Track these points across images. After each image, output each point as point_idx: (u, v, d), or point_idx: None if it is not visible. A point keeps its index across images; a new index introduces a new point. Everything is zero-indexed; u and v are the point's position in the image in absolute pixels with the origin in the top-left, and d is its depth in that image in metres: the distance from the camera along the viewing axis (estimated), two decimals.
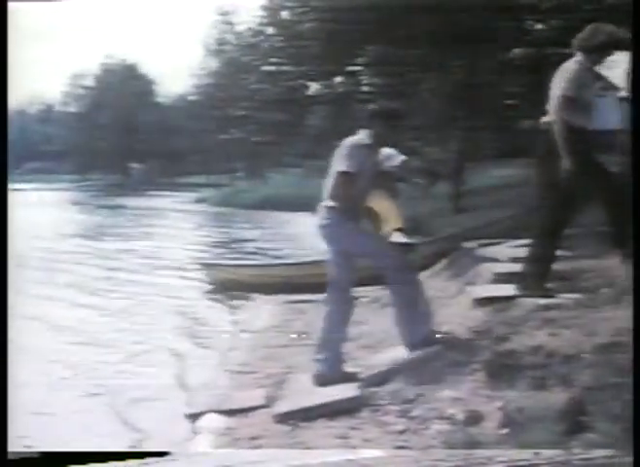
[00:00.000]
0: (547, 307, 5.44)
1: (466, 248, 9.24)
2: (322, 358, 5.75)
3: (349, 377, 5.60)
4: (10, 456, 4.31)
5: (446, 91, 21.12)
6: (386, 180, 6.04)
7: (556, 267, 6.27)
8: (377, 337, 6.82)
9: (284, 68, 24.98)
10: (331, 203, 5.84)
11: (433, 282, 8.34)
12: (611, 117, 12.88)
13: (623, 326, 4.42)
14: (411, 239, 5.85)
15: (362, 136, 5.96)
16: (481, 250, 8.60)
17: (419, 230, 18.05)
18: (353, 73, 21.44)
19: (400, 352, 5.63)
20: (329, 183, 5.88)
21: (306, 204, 31.85)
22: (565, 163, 6.01)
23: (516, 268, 6.79)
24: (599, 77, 6.29)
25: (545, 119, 6.26)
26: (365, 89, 22.50)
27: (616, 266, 6.14)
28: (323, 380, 5.62)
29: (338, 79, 22.58)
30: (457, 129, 20.81)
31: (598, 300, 5.36)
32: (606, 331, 4.53)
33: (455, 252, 9.61)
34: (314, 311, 8.87)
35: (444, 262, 9.67)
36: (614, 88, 15.53)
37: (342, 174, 5.79)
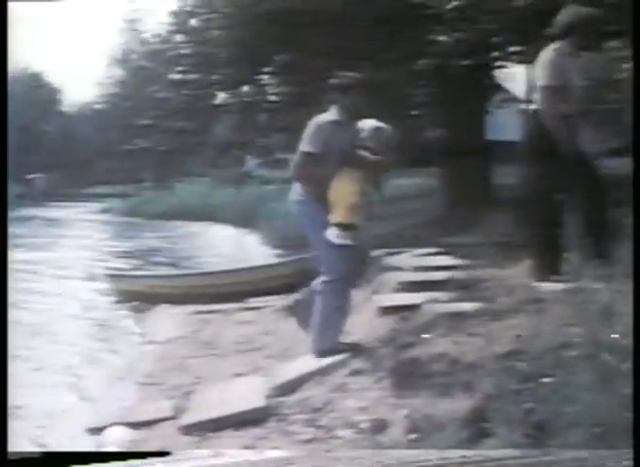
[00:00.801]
0: (450, 316, 5.54)
1: (372, 257, 9.32)
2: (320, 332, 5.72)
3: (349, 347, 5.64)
4: (10, 456, 4.23)
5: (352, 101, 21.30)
6: (359, 157, 5.81)
7: (457, 275, 6.40)
8: (284, 346, 6.84)
9: (191, 76, 24.83)
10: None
11: None
12: (510, 128, 13.14)
13: (523, 334, 4.52)
14: (345, 240, 5.56)
15: (330, 113, 5.82)
16: (387, 259, 8.69)
17: None
18: (260, 82, 21.42)
19: (307, 361, 5.66)
20: (294, 162, 5.77)
21: (213, 214, 31.75)
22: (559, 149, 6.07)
23: (421, 276, 6.91)
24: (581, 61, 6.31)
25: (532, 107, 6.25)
26: (272, 98, 22.51)
27: (515, 275, 6.29)
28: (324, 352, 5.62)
29: (246, 88, 22.54)
30: None
31: (499, 308, 5.46)
32: (507, 339, 4.62)
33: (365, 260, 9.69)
34: (221, 321, 8.86)
35: None
36: (514, 99, 15.80)
37: (305, 155, 5.69)
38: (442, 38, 13.03)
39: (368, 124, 5.88)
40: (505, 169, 16.94)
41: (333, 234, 5.55)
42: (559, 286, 5.39)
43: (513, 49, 14.52)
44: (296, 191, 5.84)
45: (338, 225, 5.56)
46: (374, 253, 9.32)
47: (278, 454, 4.58)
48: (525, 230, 6.60)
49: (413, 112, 20.82)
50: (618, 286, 4.47)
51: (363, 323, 6.39)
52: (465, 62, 12.56)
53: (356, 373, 5.23)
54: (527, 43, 13.58)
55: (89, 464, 4.48)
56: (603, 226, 5.81)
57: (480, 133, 16.33)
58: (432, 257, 8.45)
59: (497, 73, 17.29)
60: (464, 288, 6.33)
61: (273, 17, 15.55)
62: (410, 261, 8.26)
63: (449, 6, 12.55)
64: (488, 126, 16.45)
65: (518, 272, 6.43)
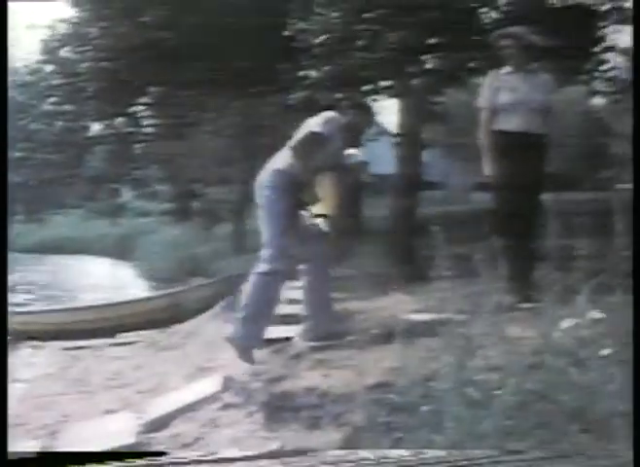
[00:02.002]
0: (321, 348, 5.56)
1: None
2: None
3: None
4: (9, 456, 4.03)
5: (227, 133, 21.32)
6: (341, 173, 6.01)
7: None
8: (156, 381, 6.74)
9: (64, 108, 24.42)
10: (283, 167, 5.89)
11: (212, 324, 8.34)
12: (383, 161, 13.37)
13: (393, 366, 4.56)
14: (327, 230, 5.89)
15: (338, 117, 6.02)
16: None
17: (199, 271, 18.05)
18: (134, 114, 21.27)
19: (179, 396, 5.60)
20: (294, 144, 5.85)
21: (87, 247, 31.10)
22: (491, 169, 6.21)
23: (293, 309, 6.92)
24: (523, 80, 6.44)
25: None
26: (147, 130, 22.37)
27: (386, 306, 6.37)
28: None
29: (120, 119, 22.34)
30: (239, 170, 21.00)
31: (369, 340, 5.51)
32: (376, 371, 4.65)
33: (234, 293, 9.65)
34: (91, 357, 8.68)
35: (222, 303, 9.69)
36: (386, 133, 16.04)
37: (314, 134, 5.79)
38: (312, 72, 13.19)
39: (355, 152, 6.13)
40: (377, 201, 17.27)
41: (320, 222, 5.90)
42: (428, 317, 5.48)
43: (384, 83, 14.81)
44: (266, 177, 5.97)
45: (324, 216, 5.91)
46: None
47: None
48: (396, 262, 6.69)
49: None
50: (486, 317, 4.57)
51: (235, 357, 6.34)
52: (336, 95, 12.74)
53: (227, 407, 5.19)
54: (397, 77, 13.89)
55: (87, 464, 4.37)
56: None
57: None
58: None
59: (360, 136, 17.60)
60: None
61: (147, 49, 15.49)
62: (284, 293, 8.25)
63: (319, 40, 12.70)
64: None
65: (389, 304, 6.51)
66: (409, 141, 14.70)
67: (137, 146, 23.88)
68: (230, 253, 20.02)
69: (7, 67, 5.20)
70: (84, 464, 4.13)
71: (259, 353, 5.97)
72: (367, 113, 6.38)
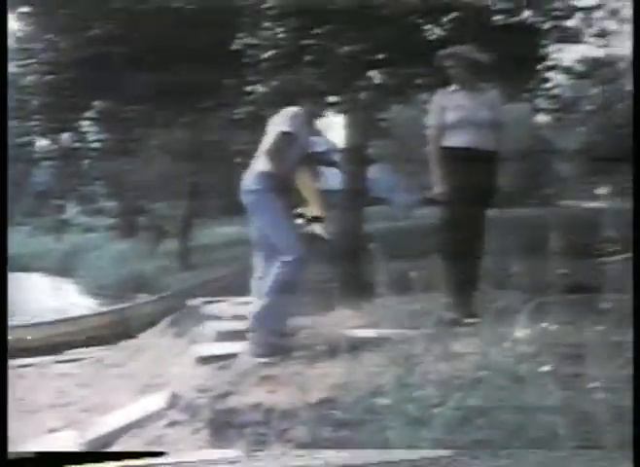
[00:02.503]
0: (266, 365, 5.56)
1: (190, 306, 9.27)
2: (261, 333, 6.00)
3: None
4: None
5: (173, 148, 21.24)
6: (312, 163, 6.23)
7: None
8: (101, 398, 6.68)
9: (8, 123, 24.19)
10: (264, 169, 5.95)
11: (157, 341, 8.29)
12: (331, 176, 13.40)
13: (337, 382, 4.58)
14: (327, 234, 6.03)
15: (297, 110, 6.13)
16: (206, 308, 8.65)
17: (145, 287, 17.94)
18: (80, 129, 21.08)
19: (124, 414, 5.56)
20: (266, 145, 5.98)
21: (31, 263, 30.74)
22: (439, 186, 6.24)
23: (239, 325, 6.91)
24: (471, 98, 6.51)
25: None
26: (93, 145, 22.19)
27: (331, 321, 6.39)
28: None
29: (66, 135, 22.14)
30: (184, 187, 20.93)
31: (314, 356, 5.52)
32: (321, 387, 4.67)
33: (180, 310, 9.62)
34: (35, 376, 8.56)
35: (168, 320, 9.64)
36: (333, 148, 16.04)
37: (283, 135, 5.91)
38: (259, 87, 13.21)
39: (323, 139, 6.34)
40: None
41: (317, 228, 6.01)
42: (372, 333, 5.51)
43: (331, 99, 14.86)
44: (251, 180, 6.08)
45: (318, 218, 6.01)
46: (192, 302, 9.30)
47: None
48: (341, 278, 6.71)
49: (236, 160, 20.99)
50: (429, 333, 4.61)
51: (181, 373, 6.32)
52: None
53: (172, 424, 5.16)
54: (344, 93, 13.96)
55: (85, 464, 4.32)
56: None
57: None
58: (251, 305, 8.46)
59: (317, 122, 17.66)
60: (282, 336, 6.36)
61: (93, 63, 15.38)
62: (230, 309, 8.25)
63: (266, 55, 12.74)
64: None
65: (334, 319, 6.53)
66: (355, 156, 14.77)
67: (83, 162, 23.65)
68: (175, 269, 19.94)
69: (7, 67, 5.23)
70: (82, 464, 4.13)
71: (205, 369, 5.95)
72: (320, 98, 6.52)
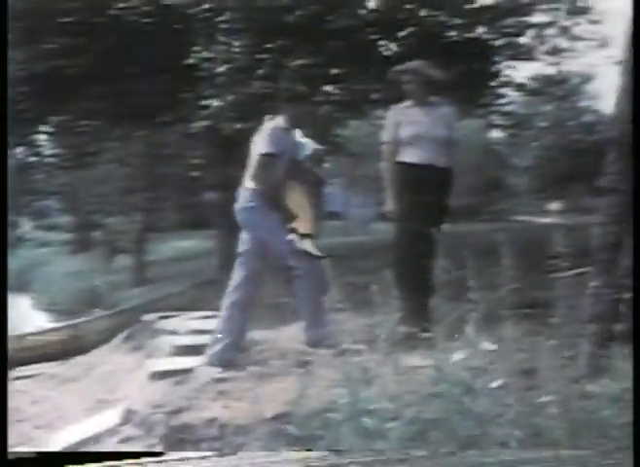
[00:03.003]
0: (222, 379, 5.55)
1: (145, 321, 9.22)
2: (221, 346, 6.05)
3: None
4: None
5: (129, 163, 21.14)
6: (302, 170, 6.23)
7: None
8: (55, 415, 6.63)
9: None
10: (253, 186, 6.00)
11: (112, 356, 8.23)
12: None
13: (293, 397, 4.58)
14: (318, 252, 6.03)
15: (280, 120, 6.13)
16: (161, 323, 8.61)
17: (100, 302, 17.82)
18: (35, 143, 20.90)
19: (77, 430, 5.53)
20: (250, 167, 6.00)
21: None
22: (392, 204, 6.29)
23: (195, 340, 6.89)
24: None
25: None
26: (47, 160, 22.02)
27: (286, 337, 6.40)
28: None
29: (19, 149, 21.95)
30: (139, 201, 20.84)
31: (270, 371, 5.53)
32: (276, 401, 4.67)
33: (135, 325, 9.55)
34: None
35: (123, 335, 9.57)
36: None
37: (264, 156, 5.92)
38: (214, 100, 13.20)
39: (309, 143, 6.38)
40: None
41: (306, 244, 6.02)
42: (326, 349, 5.53)
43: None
44: (244, 198, 6.13)
45: (308, 235, 6.06)
46: (147, 317, 9.24)
47: None
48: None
49: (193, 173, 20.95)
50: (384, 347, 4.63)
51: (136, 388, 6.28)
52: (238, 125, 12.78)
53: (127, 440, 5.14)
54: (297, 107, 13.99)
55: (84, 464, 4.28)
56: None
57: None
58: (207, 320, 8.44)
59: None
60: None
61: (48, 77, 15.29)
62: (186, 324, 8.21)
63: (221, 69, 12.74)
64: None
65: (289, 334, 6.54)
66: None
67: (38, 176, 23.47)
68: (130, 284, 19.83)
69: (7, 67, 5.22)
70: (82, 464, 4.11)
71: (160, 385, 5.93)
72: (306, 104, 6.49)
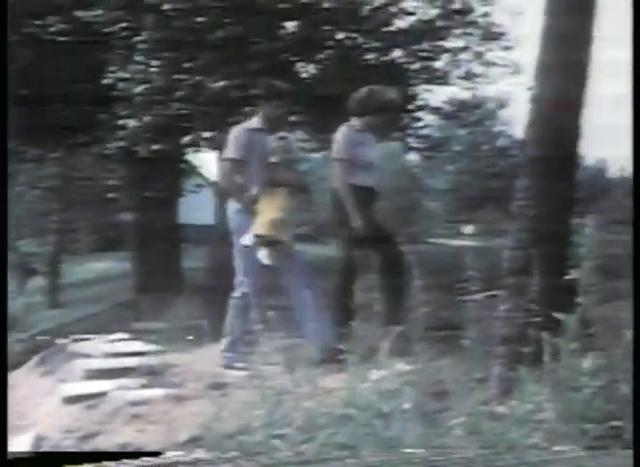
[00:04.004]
0: (137, 403, 5.49)
1: (59, 344, 9.09)
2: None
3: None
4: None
5: (43, 184, 20.84)
6: (275, 170, 6.04)
7: (145, 361, 6.38)
8: None
9: None
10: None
11: (25, 380, 8.09)
12: (204, 212, 13.33)
13: (207, 420, 4.56)
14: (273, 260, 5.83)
15: (250, 122, 6.07)
16: (75, 346, 8.49)
17: (13, 326, 17.48)
18: None
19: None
20: (220, 179, 5.90)
21: None
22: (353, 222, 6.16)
23: (109, 363, 6.81)
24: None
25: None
26: None
27: (202, 360, 6.37)
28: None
29: None
30: (53, 223, 20.55)
31: (186, 394, 5.49)
32: (191, 425, 4.64)
33: (49, 348, 9.40)
34: None
35: (36, 358, 9.41)
36: (208, 183, 15.95)
37: (229, 162, 5.88)
38: (130, 121, 13.10)
39: (289, 143, 6.25)
40: (197, 252, 17.23)
41: (262, 254, 5.83)
42: (242, 372, 5.53)
43: (205, 134, 14.87)
44: (231, 206, 6.11)
45: (259, 237, 5.82)
46: (61, 341, 9.11)
47: None
48: (213, 314, 6.69)
49: (109, 195, 20.72)
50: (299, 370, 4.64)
51: (48, 413, 6.18)
52: (156, 146, 12.71)
53: None
54: (218, 129, 14.00)
55: (83, 464, 4.13)
56: None
57: (172, 217, 16.52)
58: (122, 343, 8.36)
59: (191, 157, 17.64)
60: (153, 374, 6.31)
61: None
62: (100, 347, 8.12)
63: (139, 89, 12.65)
64: (182, 210, 16.67)
65: (205, 357, 6.52)
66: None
67: None
68: (44, 307, 19.49)
69: (7, 67, 5.15)
70: (80, 464, 4.01)
71: (72, 409, 5.84)
72: (284, 99, 6.33)
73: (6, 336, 4.55)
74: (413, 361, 3.81)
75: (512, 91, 17.81)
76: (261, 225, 5.90)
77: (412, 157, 32.90)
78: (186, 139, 15.19)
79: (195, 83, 13.13)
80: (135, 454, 4.64)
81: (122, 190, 18.41)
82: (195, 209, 20.79)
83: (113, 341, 8.50)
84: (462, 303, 3.73)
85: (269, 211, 5.95)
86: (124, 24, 13.40)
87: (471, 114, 18.53)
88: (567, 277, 3.56)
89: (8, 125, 5.84)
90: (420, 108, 16.92)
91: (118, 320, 10.39)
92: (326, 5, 14.48)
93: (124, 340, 8.56)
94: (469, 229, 40.34)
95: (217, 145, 14.94)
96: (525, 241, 4.33)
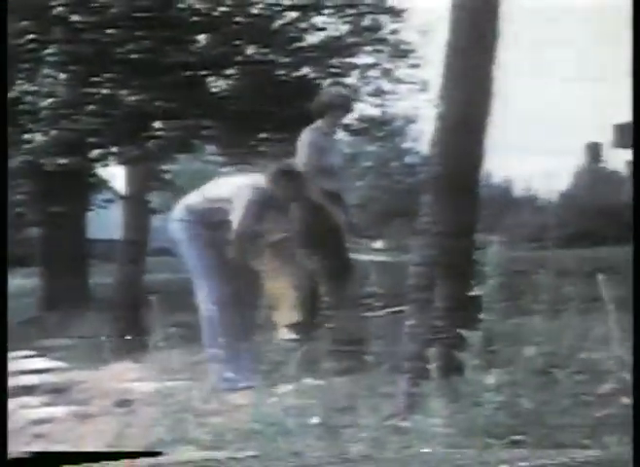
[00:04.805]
0: (38, 422, 5.40)
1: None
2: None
3: None
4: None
5: None
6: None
7: (50, 378, 6.28)
8: None
9: None
10: (193, 202, 6.09)
11: None
12: (113, 227, 13.18)
13: (113, 437, 4.52)
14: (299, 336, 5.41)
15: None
16: None
17: None
18: None
19: None
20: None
21: None
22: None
23: (13, 381, 6.67)
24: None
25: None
26: None
27: (110, 375, 6.30)
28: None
29: None
30: None
31: (91, 411, 5.42)
32: (97, 442, 4.59)
33: None
34: None
35: None
36: (118, 198, 15.70)
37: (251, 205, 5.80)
38: (37, 135, 12.86)
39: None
40: (105, 268, 16.99)
41: (288, 333, 5.42)
42: (151, 386, 5.47)
43: (114, 149, 14.69)
44: (179, 211, 6.09)
45: (289, 326, 5.48)
46: None
47: None
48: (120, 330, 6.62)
49: (18, 209, 20.30)
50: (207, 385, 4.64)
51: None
52: (63, 160, 12.50)
53: None
54: (128, 143, 13.85)
55: (81, 464, 3.94)
56: None
57: (80, 232, 16.29)
58: (26, 360, 8.19)
59: (100, 172, 17.40)
60: (58, 392, 6.21)
61: None
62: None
63: (45, 102, 12.45)
64: (90, 225, 16.45)
65: (113, 373, 6.44)
66: (138, 207, 14.66)
67: None
68: None
69: (6, 67, 5.00)
70: (79, 464, 3.89)
71: None
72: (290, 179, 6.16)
73: (6, 335, 4.46)
74: (320, 376, 3.83)
75: (420, 109, 18.07)
76: (284, 308, 5.66)
77: None
78: (95, 153, 15.01)
79: (104, 96, 12.99)
80: (135, 454, 4.56)
81: (28, 205, 18.05)
82: (105, 224, 20.54)
83: (17, 358, 8.32)
84: (369, 318, 3.76)
85: (285, 294, 5.74)
86: (31, 36, 13.18)
87: (380, 130, 18.65)
88: (471, 294, 3.60)
89: None
90: None
91: (23, 337, 10.16)
92: (237, 19, 14.46)
93: (29, 357, 8.38)
94: (378, 244, 40.63)
95: (125, 159, 14.80)
96: (430, 257, 4.37)
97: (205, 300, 5.96)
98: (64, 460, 4.26)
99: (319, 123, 6.63)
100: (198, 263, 6.02)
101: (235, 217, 5.81)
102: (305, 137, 6.64)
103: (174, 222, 6.15)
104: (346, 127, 17.68)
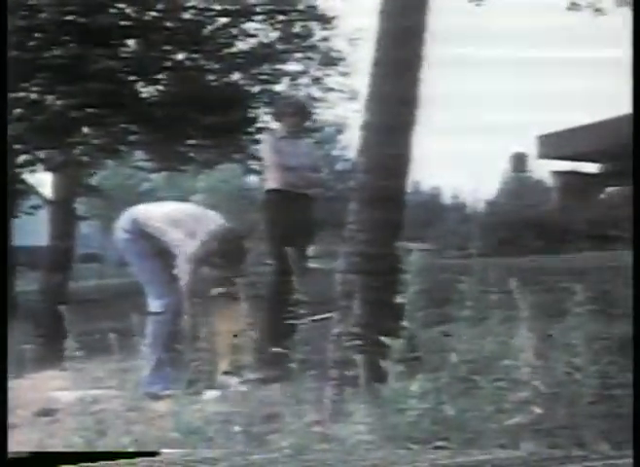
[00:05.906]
0: None
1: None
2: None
3: None
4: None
5: None
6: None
7: None
8: None
9: None
10: (137, 216, 6.00)
11: None
12: (38, 234, 12.98)
13: (32, 449, 4.46)
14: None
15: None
16: None
17: None
18: None
19: None
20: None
21: None
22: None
23: None
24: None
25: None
26: None
27: (34, 384, 6.21)
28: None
29: None
30: None
31: (12, 422, 5.33)
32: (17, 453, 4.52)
33: None
34: None
35: None
36: (45, 204, 15.56)
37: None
38: None
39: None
40: (29, 275, 16.77)
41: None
42: (75, 394, 5.41)
43: (42, 154, 14.51)
44: (125, 221, 5.98)
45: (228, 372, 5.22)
46: None
47: None
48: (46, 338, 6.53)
49: None
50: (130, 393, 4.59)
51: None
52: None
53: None
54: (55, 148, 13.70)
55: (79, 464, 3.81)
56: None
57: (5, 239, 16.03)
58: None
59: (27, 178, 17.16)
60: None
61: None
62: None
63: None
64: (15, 232, 16.20)
65: (37, 383, 6.36)
66: (64, 214, 14.50)
67: None
68: None
69: (6, 66, 4.90)
70: (77, 464, 3.80)
71: None
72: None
73: (6, 335, 4.38)
74: (244, 383, 3.83)
75: (349, 117, 18.20)
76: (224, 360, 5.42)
77: (252, 179, 33.06)
78: (21, 159, 14.81)
79: (31, 102, 12.83)
80: (133, 454, 4.50)
81: None
82: (27, 232, 20.25)
83: None
84: (295, 325, 3.76)
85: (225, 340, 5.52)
86: None
87: (310, 137, 18.77)
88: (394, 301, 3.62)
89: None
90: (260, 131, 16.95)
91: None
92: (167, 24, 14.39)
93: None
94: (308, 250, 40.80)
95: (52, 165, 14.62)
96: (355, 265, 4.40)
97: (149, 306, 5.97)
98: (64, 460, 4.21)
99: (278, 126, 6.80)
100: (140, 271, 6.03)
101: (193, 243, 5.82)
102: (263, 140, 7.06)
103: (120, 230, 6.12)
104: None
